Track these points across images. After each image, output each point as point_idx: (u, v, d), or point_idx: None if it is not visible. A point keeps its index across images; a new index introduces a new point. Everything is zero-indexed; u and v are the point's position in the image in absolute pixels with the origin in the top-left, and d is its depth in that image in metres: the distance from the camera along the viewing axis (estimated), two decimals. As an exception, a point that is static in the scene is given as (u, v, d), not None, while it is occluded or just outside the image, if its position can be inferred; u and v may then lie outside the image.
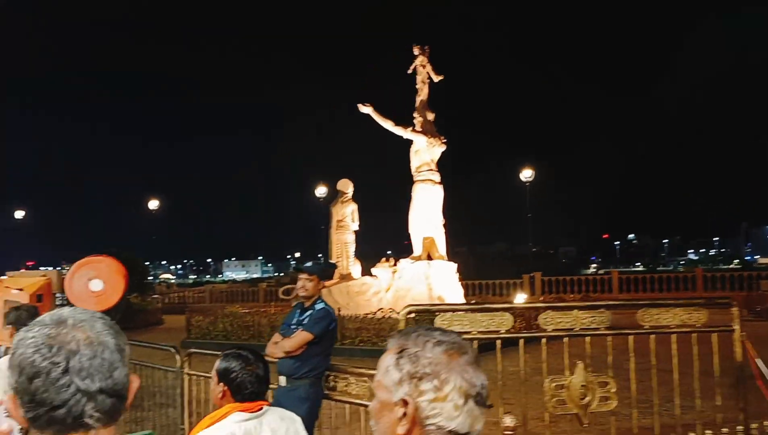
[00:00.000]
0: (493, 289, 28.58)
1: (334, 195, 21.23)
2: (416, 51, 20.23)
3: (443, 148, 19.86)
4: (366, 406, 4.82)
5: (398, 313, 16.39)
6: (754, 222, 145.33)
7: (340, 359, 8.67)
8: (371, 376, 4.89)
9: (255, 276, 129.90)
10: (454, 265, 19.62)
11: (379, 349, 13.76)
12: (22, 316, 5.13)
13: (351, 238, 19.72)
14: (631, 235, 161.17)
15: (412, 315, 6.03)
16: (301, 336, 4.77)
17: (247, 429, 2.63)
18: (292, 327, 4.95)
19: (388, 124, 19.60)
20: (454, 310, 5.34)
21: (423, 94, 20.08)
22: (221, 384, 2.73)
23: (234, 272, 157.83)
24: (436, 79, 20.16)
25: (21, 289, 6.16)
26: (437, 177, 19.69)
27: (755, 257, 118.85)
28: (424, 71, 20.10)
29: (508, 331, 4.62)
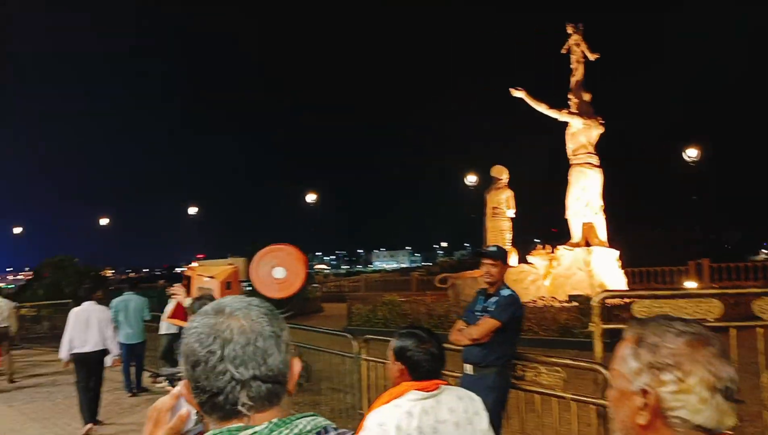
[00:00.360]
0: (655, 277, 26.91)
1: (486, 183, 20.93)
2: (569, 29, 19.43)
3: (601, 129, 18.94)
4: (558, 396, 4.63)
5: (559, 301, 16.03)
6: None
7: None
8: (564, 366, 4.68)
9: (403, 266, 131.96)
10: (615, 252, 18.70)
11: (541, 338, 13.32)
12: (204, 305, 5.41)
13: (507, 226, 19.34)
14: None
15: (605, 302, 5.64)
16: (488, 323, 4.64)
17: (424, 407, 2.62)
18: (477, 314, 4.83)
19: (541, 108, 18.99)
20: (654, 297, 4.96)
21: (578, 74, 19.26)
22: (398, 362, 2.73)
23: (383, 262, 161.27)
24: (592, 57, 19.26)
25: (212, 277, 6.51)
26: (595, 160, 18.82)
27: None
28: (578, 50, 19.27)
29: (717, 320, 4.22)
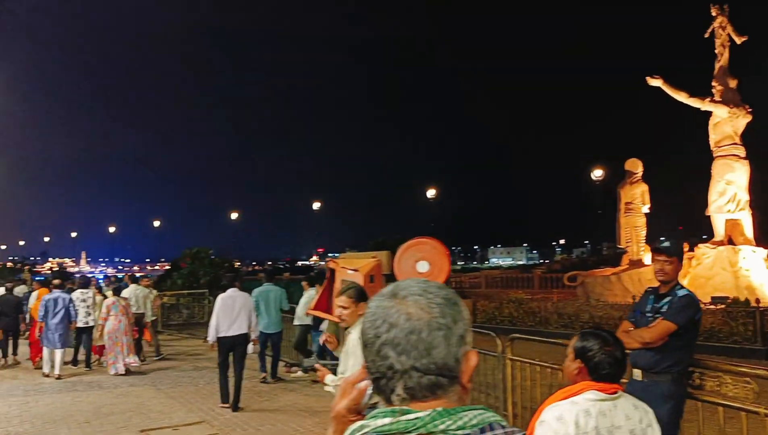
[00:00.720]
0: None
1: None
2: (714, 12, 18.14)
3: (748, 118, 17.57)
4: (749, 411, 4.18)
5: (703, 302, 14.99)
6: None
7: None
8: (754, 376, 4.24)
9: (520, 263, 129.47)
10: (764, 251, 17.29)
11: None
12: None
13: (641, 222, 18.38)
14: None
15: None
16: (663, 326, 4.27)
17: (602, 409, 2.58)
18: (648, 315, 4.47)
19: (681, 97, 17.87)
20: None
21: (723, 59, 17.97)
22: (577, 361, 2.72)
23: (499, 259, 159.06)
24: (739, 41, 17.89)
25: (356, 270, 6.50)
26: (742, 151, 17.50)
27: None
28: (723, 34, 17.96)
29: None
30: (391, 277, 6.73)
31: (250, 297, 9.73)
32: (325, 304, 7.07)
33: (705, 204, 18.46)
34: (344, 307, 4.66)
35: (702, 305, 14.83)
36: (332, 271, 7.04)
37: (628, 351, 4.57)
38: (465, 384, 1.17)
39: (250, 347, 10.23)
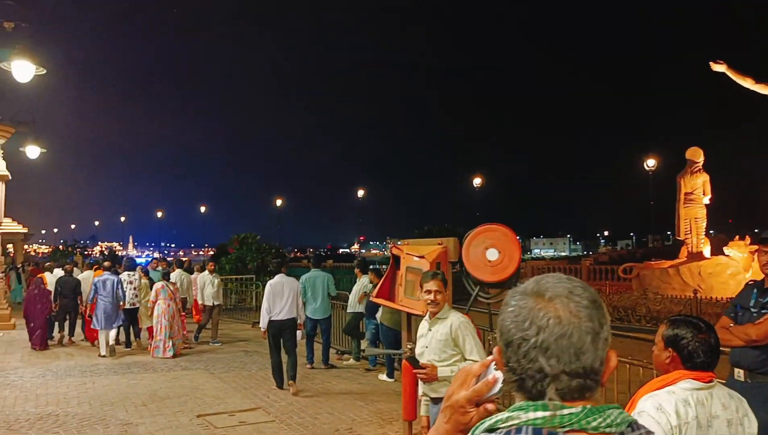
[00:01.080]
0: None
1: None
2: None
3: (821, 105, 16.72)
4: None
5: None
6: None
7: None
8: None
9: (563, 254, 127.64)
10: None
11: None
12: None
13: (701, 213, 17.71)
14: None
15: None
16: (772, 323, 3.93)
17: (699, 398, 2.53)
18: (752, 311, 4.13)
19: (747, 82, 17.10)
20: None
21: (793, 44, 17.08)
22: (669, 350, 2.64)
23: (542, 250, 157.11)
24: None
25: (422, 257, 6.26)
26: (812, 140, 16.65)
27: None
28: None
29: None
30: (456, 265, 6.48)
31: (297, 282, 9.93)
32: (387, 291, 6.86)
33: (760, 196, 17.77)
34: (438, 291, 4.58)
35: None
36: (395, 258, 6.80)
37: (727, 349, 4.26)
38: (604, 383, 1.18)
39: (299, 334, 10.36)
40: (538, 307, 1.13)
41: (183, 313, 13.46)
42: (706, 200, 17.70)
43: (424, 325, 4.82)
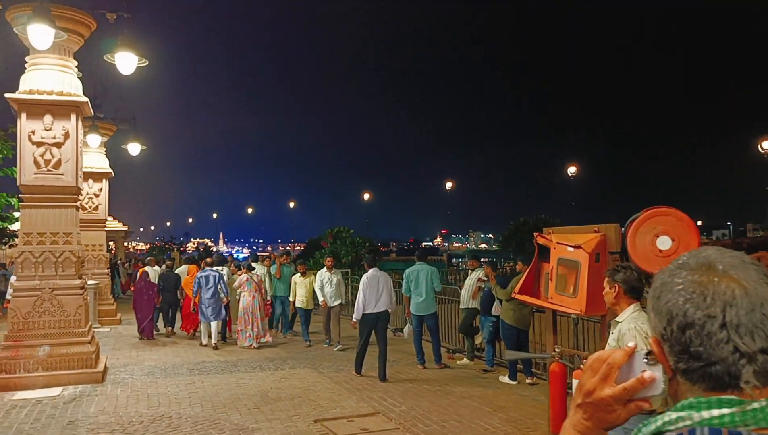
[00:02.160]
0: None
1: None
2: None
3: None
4: None
5: None
6: None
7: None
8: None
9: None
10: None
11: None
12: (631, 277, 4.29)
13: None
14: None
15: None
16: None
17: None
18: None
19: None
20: None
21: None
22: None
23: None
24: None
25: (578, 247, 5.41)
26: None
27: None
28: None
29: None
30: (620, 257, 5.60)
31: (388, 276, 10.22)
32: (530, 286, 6.05)
33: None
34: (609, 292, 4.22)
35: None
36: (541, 249, 5.99)
37: None
38: None
39: (406, 330, 10.71)
40: (716, 281, 1.01)
41: (268, 303, 13.91)
42: None
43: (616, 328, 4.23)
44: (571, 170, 43.64)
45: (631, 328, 3.99)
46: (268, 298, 13.91)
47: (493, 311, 9.72)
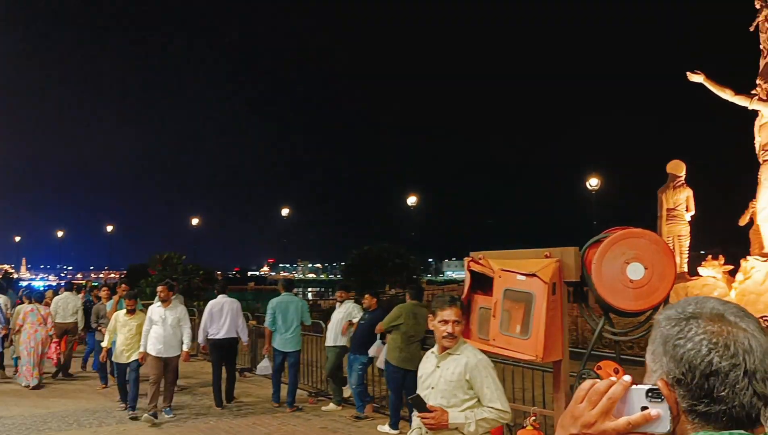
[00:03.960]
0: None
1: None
2: (758, 4, 16.64)
3: (797, 120, 16.08)
4: None
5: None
6: None
7: None
8: None
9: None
10: (812, 265, 15.78)
11: None
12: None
13: (685, 231, 16.66)
14: None
15: None
16: None
17: None
18: None
19: (725, 94, 16.27)
20: None
21: (769, 55, 16.43)
22: None
23: (453, 272, 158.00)
24: (786, 36, 16.41)
25: (533, 275, 4.30)
26: (791, 156, 15.95)
27: None
28: (769, 27, 16.45)
29: None
30: (577, 287, 4.58)
31: (237, 302, 10.05)
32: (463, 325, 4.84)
33: (732, 212, 17.13)
34: (457, 321, 4.06)
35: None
36: (475, 277, 4.82)
37: None
38: None
39: (267, 366, 9.76)
40: (734, 331, 1.11)
41: (56, 340, 11.99)
42: (689, 216, 16.74)
43: (430, 361, 4.16)
44: (412, 200, 43.96)
45: (479, 359, 4.00)
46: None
47: (372, 352, 8.44)
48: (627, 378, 1.15)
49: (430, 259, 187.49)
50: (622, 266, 4.23)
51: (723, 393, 1.07)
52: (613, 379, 1.16)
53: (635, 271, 4.23)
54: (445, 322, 4.02)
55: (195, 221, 54.62)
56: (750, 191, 16.66)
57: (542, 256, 4.51)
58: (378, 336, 8.39)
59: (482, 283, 4.77)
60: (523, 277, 4.35)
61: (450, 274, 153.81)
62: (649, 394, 1.12)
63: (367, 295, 8.85)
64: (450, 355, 4.03)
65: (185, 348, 8.91)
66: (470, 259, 4.89)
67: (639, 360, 5.31)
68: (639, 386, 1.13)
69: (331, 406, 9.43)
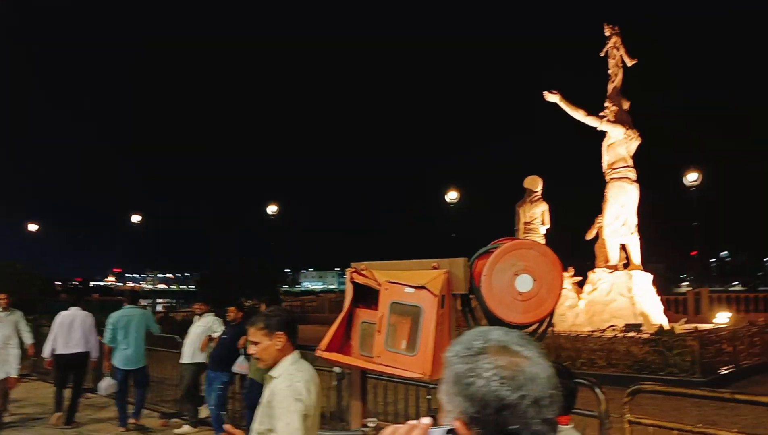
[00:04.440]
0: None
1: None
2: (607, 31, 17.83)
3: (639, 141, 17.37)
4: None
5: (621, 330, 14.09)
6: None
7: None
8: None
9: (332, 287, 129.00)
10: (650, 276, 17.04)
11: (611, 375, 11.09)
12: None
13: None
14: (724, 253, 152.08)
15: None
16: None
17: None
18: None
19: (578, 114, 17.24)
20: None
21: (617, 80, 17.65)
22: None
23: (311, 283, 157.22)
24: (630, 63, 17.69)
25: (421, 287, 4.04)
26: (633, 174, 17.21)
27: None
28: (617, 54, 17.66)
29: None
30: (463, 298, 4.36)
31: (90, 315, 9.34)
32: (339, 341, 4.48)
33: (579, 227, 18.16)
34: (256, 342, 3.54)
35: (621, 333, 13.81)
36: (359, 289, 4.49)
37: None
38: None
39: (104, 385, 8.74)
40: (518, 361, 1.12)
41: None
42: (544, 230, 17.48)
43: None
44: (272, 209, 42.98)
45: (285, 387, 3.41)
46: None
47: (237, 368, 7.85)
48: (426, 420, 1.16)
49: (287, 270, 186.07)
50: (511, 278, 4.08)
51: (516, 426, 1.09)
52: (413, 422, 1.17)
53: (524, 283, 4.07)
54: (251, 342, 3.56)
55: (33, 228, 50.13)
56: (597, 208, 17.71)
57: (429, 268, 4.26)
58: (241, 351, 7.83)
59: (365, 295, 4.45)
60: (412, 290, 4.07)
61: (307, 284, 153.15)
62: (448, 433, 1.13)
63: (231, 308, 8.24)
64: (271, 377, 3.60)
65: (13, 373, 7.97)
66: (353, 270, 4.54)
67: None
68: (437, 428, 1.14)
69: (186, 428, 8.69)
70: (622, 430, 4.59)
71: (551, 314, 4.25)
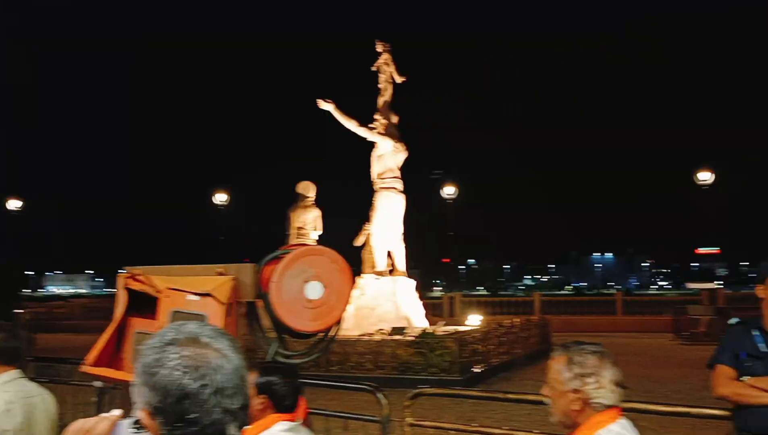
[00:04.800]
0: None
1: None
2: (379, 48, 18.62)
3: (406, 154, 18.38)
4: None
5: (387, 333, 14.66)
6: (583, 250, 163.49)
7: (326, 391, 7.02)
8: None
9: (82, 291, 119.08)
10: (413, 282, 18.11)
11: (378, 377, 11.58)
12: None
13: (312, 249, 17.50)
14: (471, 260, 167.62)
15: None
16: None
17: None
18: None
19: (351, 124, 17.75)
20: None
21: (387, 94, 18.46)
22: (262, 396, 2.76)
23: (58, 287, 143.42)
24: (399, 80, 18.65)
25: (207, 294, 3.80)
26: (401, 185, 18.13)
27: (582, 284, 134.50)
28: (387, 70, 18.51)
29: None
30: (248, 305, 4.18)
31: None
32: (110, 354, 4.04)
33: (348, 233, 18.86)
34: None
35: (389, 336, 14.42)
36: (133, 296, 4.09)
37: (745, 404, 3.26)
38: None
39: None
40: (204, 352, 1.15)
41: None
42: (316, 235, 17.65)
43: None
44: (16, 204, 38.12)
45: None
46: None
47: None
48: (116, 412, 1.19)
49: (30, 272, 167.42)
50: (301, 285, 4.00)
51: (196, 414, 1.11)
52: (105, 415, 1.18)
53: (314, 291, 4.02)
54: None
55: None
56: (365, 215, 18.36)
57: (214, 273, 4.02)
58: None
59: (141, 303, 4.07)
60: (196, 297, 3.81)
61: (53, 289, 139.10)
62: (135, 425, 1.14)
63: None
64: None
65: None
66: (127, 275, 4.13)
67: (314, 382, 5.09)
68: (126, 420, 1.16)
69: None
70: (402, 434, 4.71)
71: (339, 321, 4.26)
